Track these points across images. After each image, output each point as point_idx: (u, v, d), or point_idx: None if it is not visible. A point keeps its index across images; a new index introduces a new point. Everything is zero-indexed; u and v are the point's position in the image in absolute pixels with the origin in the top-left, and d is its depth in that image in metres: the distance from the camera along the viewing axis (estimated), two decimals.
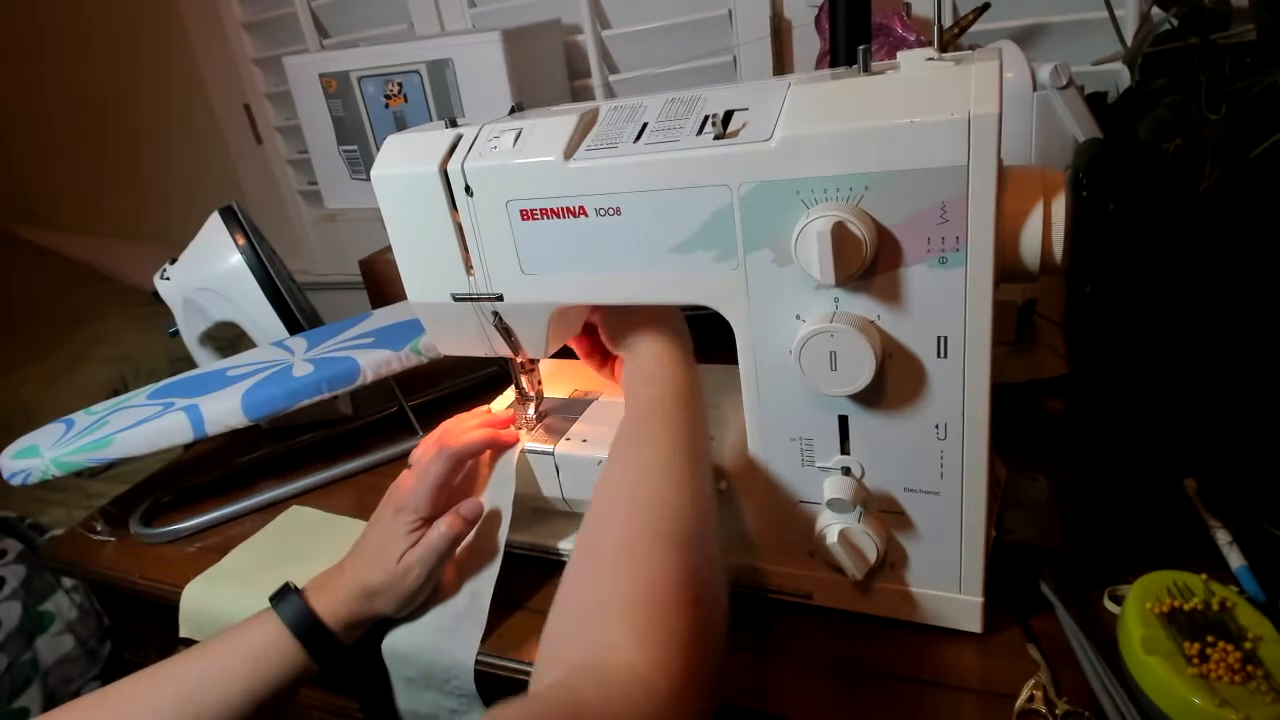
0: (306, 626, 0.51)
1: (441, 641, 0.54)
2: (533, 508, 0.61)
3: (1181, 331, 0.61)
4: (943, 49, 0.42)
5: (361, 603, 0.53)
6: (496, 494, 0.58)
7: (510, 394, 0.65)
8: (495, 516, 0.57)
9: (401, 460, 0.77)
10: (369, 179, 0.54)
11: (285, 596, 0.52)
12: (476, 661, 0.53)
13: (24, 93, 1.70)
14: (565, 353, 0.61)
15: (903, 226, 0.40)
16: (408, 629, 0.55)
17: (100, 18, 1.50)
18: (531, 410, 0.62)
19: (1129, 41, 0.70)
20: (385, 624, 0.55)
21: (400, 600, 0.53)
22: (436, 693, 0.54)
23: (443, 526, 0.53)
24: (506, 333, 0.57)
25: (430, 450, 0.56)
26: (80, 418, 0.76)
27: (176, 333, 0.93)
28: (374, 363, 0.75)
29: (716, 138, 0.43)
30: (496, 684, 0.53)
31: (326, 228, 1.41)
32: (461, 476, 0.59)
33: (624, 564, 0.39)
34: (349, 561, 0.55)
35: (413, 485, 0.54)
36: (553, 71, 1.04)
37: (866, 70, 0.42)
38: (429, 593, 0.55)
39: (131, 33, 1.47)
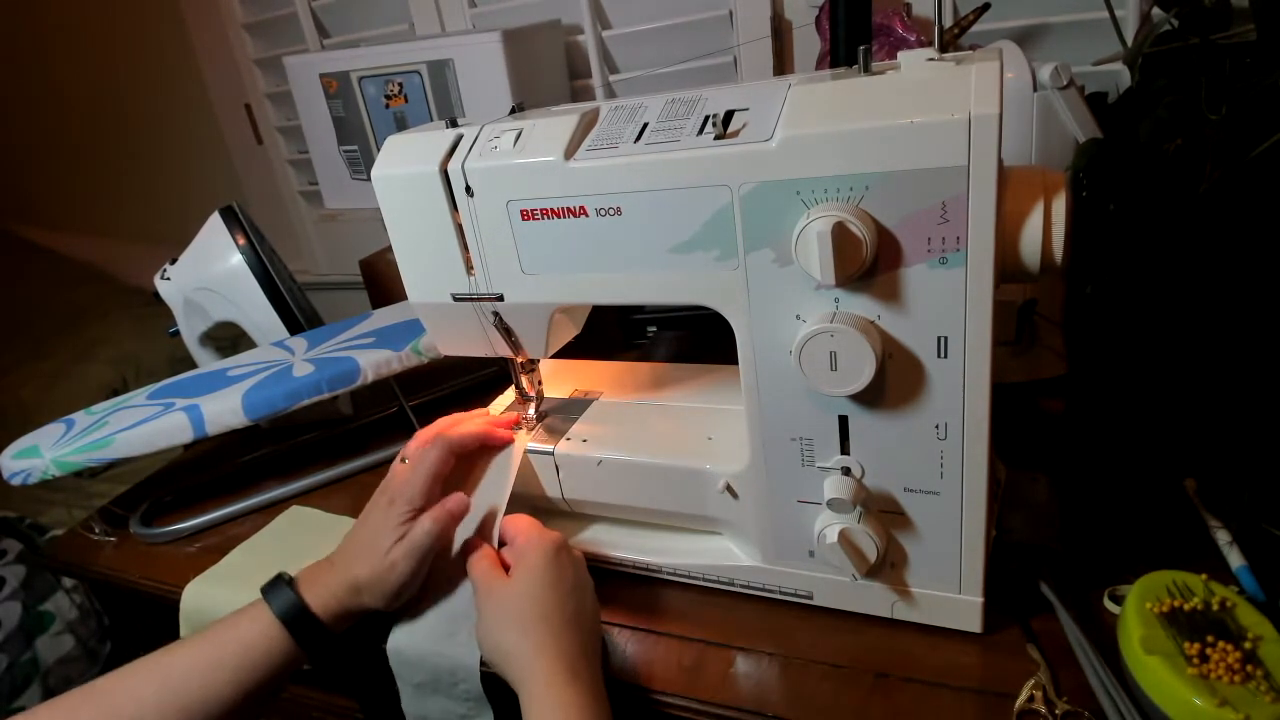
0: (296, 616, 0.50)
1: (444, 645, 0.54)
2: (533, 507, 0.61)
3: (1181, 331, 0.61)
4: (943, 49, 0.42)
5: (350, 596, 0.52)
6: (493, 493, 0.58)
7: (510, 394, 0.65)
8: (492, 516, 0.57)
9: None
10: (369, 179, 0.54)
11: (277, 586, 0.52)
12: (481, 663, 0.53)
13: (24, 92, 1.70)
14: (565, 352, 0.61)
15: (903, 226, 0.40)
16: (410, 632, 0.54)
17: (101, 18, 1.50)
18: (531, 410, 0.62)
19: (1129, 42, 0.71)
20: (386, 625, 0.55)
21: (387, 596, 0.52)
22: (445, 697, 0.54)
23: (427, 522, 0.52)
24: (507, 333, 0.57)
25: (426, 441, 0.56)
26: (80, 418, 0.76)
27: (176, 333, 0.93)
28: (374, 363, 0.75)
29: (717, 138, 0.43)
30: (504, 686, 0.53)
31: (327, 228, 1.41)
32: (459, 475, 0.58)
33: None
34: (338, 554, 0.54)
35: (408, 475, 0.54)
36: (553, 72, 1.04)
37: (867, 70, 0.42)
38: (417, 588, 0.54)
39: (132, 33, 1.47)
